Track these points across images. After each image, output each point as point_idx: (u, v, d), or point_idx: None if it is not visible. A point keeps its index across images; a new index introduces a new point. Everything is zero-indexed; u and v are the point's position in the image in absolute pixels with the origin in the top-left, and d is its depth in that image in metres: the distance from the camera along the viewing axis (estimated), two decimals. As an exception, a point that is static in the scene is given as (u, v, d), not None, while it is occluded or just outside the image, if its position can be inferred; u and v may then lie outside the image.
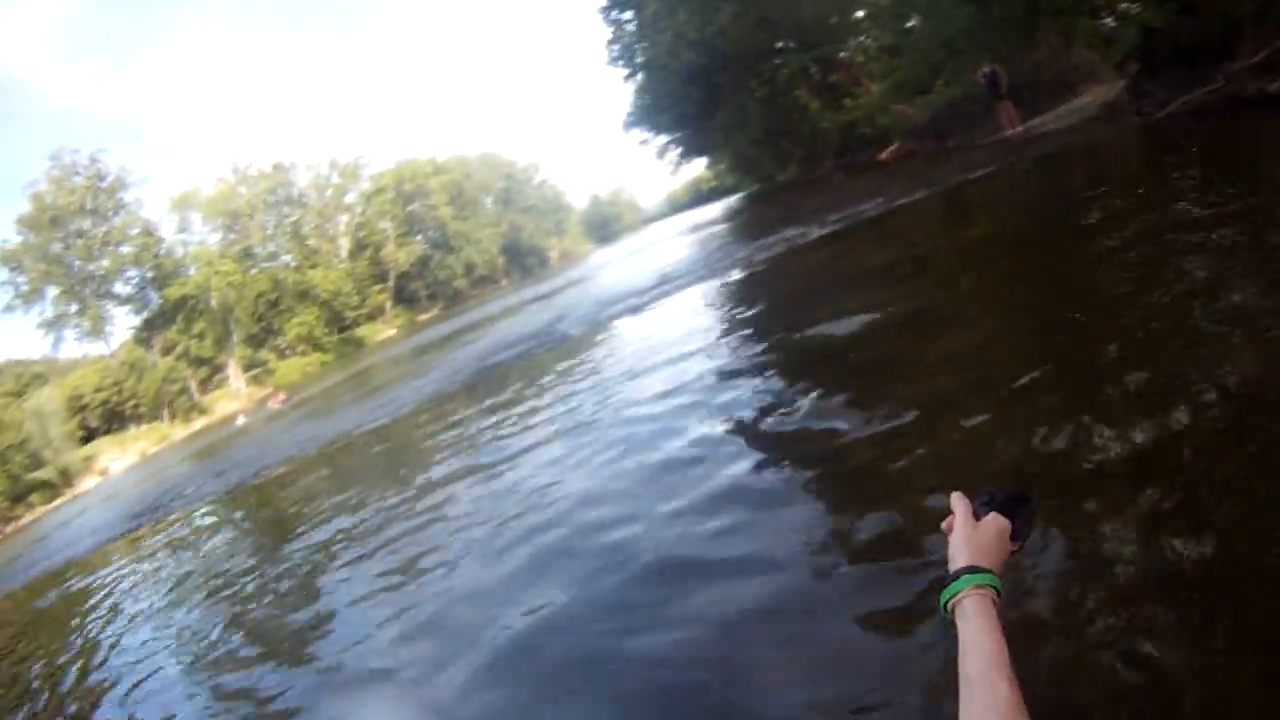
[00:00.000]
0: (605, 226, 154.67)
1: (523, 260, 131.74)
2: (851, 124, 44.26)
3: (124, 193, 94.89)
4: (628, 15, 57.17)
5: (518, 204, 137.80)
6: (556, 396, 12.96)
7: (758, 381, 9.05)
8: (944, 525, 1.95)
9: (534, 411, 12.48)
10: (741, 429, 7.57)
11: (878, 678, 3.59)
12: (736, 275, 18.88)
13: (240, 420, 57.04)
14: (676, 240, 42.21)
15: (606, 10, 57.72)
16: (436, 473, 11.28)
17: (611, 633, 4.96)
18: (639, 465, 7.72)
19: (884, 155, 40.01)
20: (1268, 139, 12.99)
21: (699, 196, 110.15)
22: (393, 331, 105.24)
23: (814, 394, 7.60)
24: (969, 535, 1.86)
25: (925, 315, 9.30)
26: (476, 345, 30.28)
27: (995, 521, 1.89)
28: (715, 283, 18.91)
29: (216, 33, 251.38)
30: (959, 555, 1.82)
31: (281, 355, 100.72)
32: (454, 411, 16.24)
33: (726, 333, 12.39)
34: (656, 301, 19.74)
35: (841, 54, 45.84)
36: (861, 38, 44.02)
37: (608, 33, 58.88)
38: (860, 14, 43.79)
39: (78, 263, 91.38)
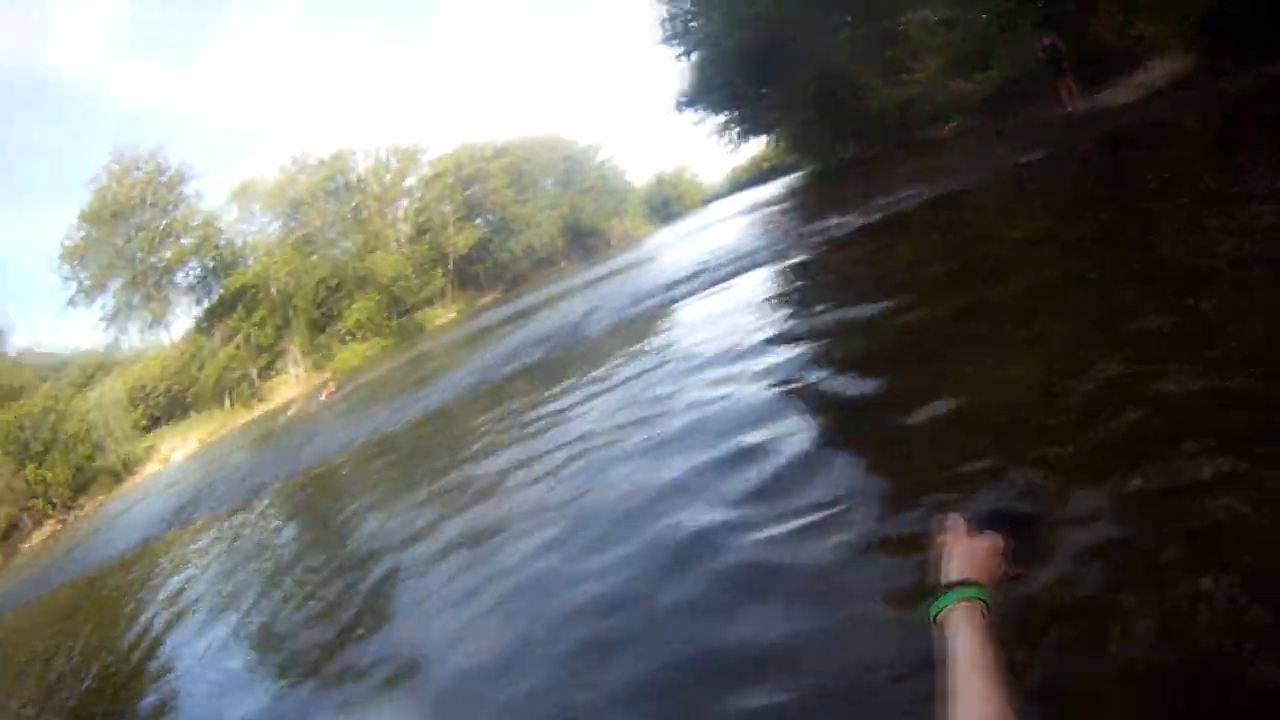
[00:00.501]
0: (666, 206, 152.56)
1: (583, 241, 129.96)
2: (909, 101, 42.87)
3: (184, 186, 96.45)
4: None
5: (578, 185, 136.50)
6: (577, 400, 12.38)
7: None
8: (938, 539, 2.00)
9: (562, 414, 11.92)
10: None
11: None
12: (767, 273, 17.83)
13: (291, 410, 57.28)
14: (730, 224, 40.80)
15: None
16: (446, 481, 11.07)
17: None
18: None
19: (944, 132, 38.83)
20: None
21: (760, 175, 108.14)
22: (452, 314, 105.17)
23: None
24: (962, 549, 1.93)
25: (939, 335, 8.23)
26: (515, 337, 29.67)
27: (990, 539, 1.95)
28: (743, 280, 17.94)
29: (277, 23, 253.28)
30: (950, 569, 1.89)
31: (342, 341, 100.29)
32: (477, 413, 15.78)
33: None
34: (681, 302, 18.90)
35: (900, 28, 44.37)
36: (920, 10, 42.47)
37: (662, 10, 57.46)
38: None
39: (139, 254, 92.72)
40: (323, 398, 54.01)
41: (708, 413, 8.41)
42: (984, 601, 1.79)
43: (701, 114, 62.86)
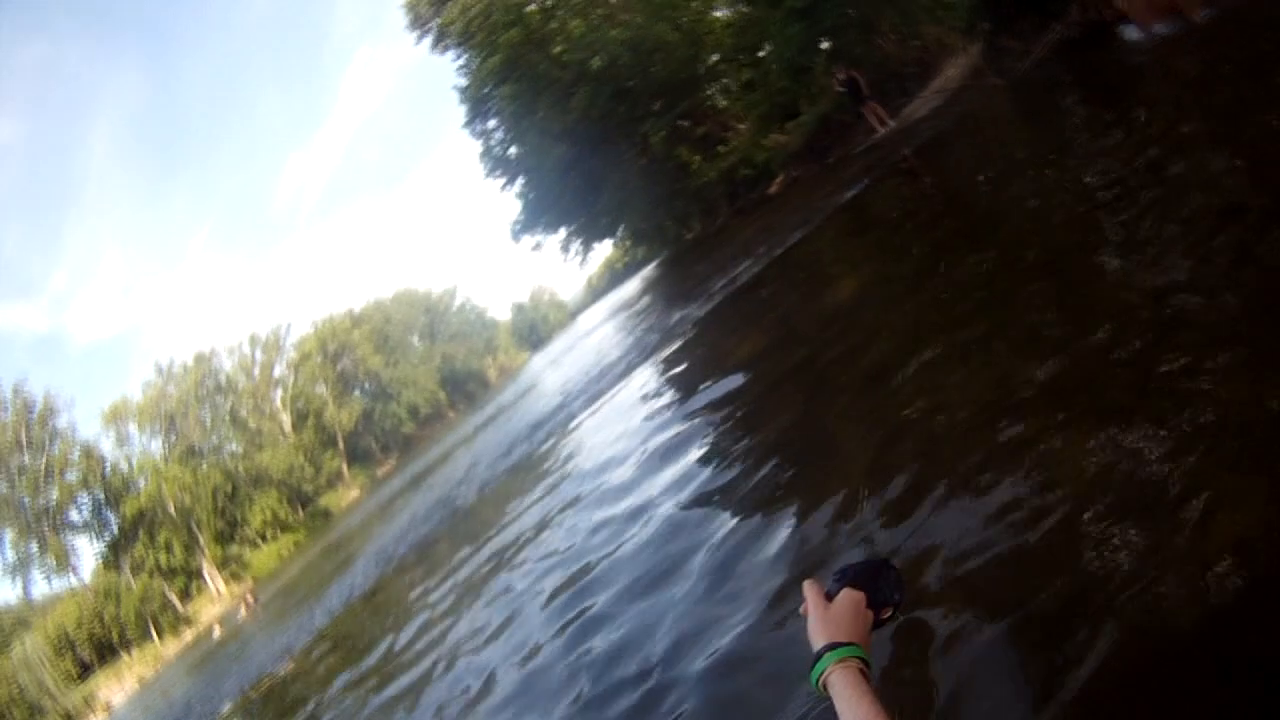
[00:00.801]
0: (534, 331, 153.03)
1: (463, 387, 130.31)
2: (731, 169, 43.46)
3: (55, 419, 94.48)
4: (491, 124, 56.87)
5: (444, 334, 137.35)
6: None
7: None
8: (801, 610, 2.02)
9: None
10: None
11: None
12: (633, 383, 17.63)
13: (216, 633, 56.31)
14: (595, 335, 41.82)
15: (469, 125, 57.25)
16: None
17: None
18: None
19: (773, 188, 39.19)
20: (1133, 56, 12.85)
21: (616, 276, 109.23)
22: (355, 493, 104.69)
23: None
24: (823, 615, 1.95)
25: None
26: (415, 505, 29.45)
27: (848, 596, 1.98)
28: (610, 398, 17.84)
29: (117, 237, 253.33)
30: (816, 636, 1.90)
31: (253, 544, 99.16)
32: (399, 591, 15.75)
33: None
34: (569, 425, 18.63)
35: (707, 103, 45.34)
36: (720, 81, 43.44)
37: (479, 144, 58.24)
38: (713, 58, 43.47)
39: (26, 499, 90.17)
40: (241, 614, 53.19)
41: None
42: (857, 657, 1.82)
43: (540, 236, 62.73)
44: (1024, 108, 15.67)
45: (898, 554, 4.46)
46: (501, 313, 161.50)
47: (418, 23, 58.31)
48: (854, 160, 25.88)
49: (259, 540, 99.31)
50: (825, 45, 29.64)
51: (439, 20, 56.44)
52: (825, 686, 1.80)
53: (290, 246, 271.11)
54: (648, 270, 69.23)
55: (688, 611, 5.80)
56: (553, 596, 8.22)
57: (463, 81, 55.51)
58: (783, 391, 9.65)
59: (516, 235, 61.31)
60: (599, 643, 6.41)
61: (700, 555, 6.56)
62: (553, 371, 42.76)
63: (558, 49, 45.79)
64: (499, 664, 7.72)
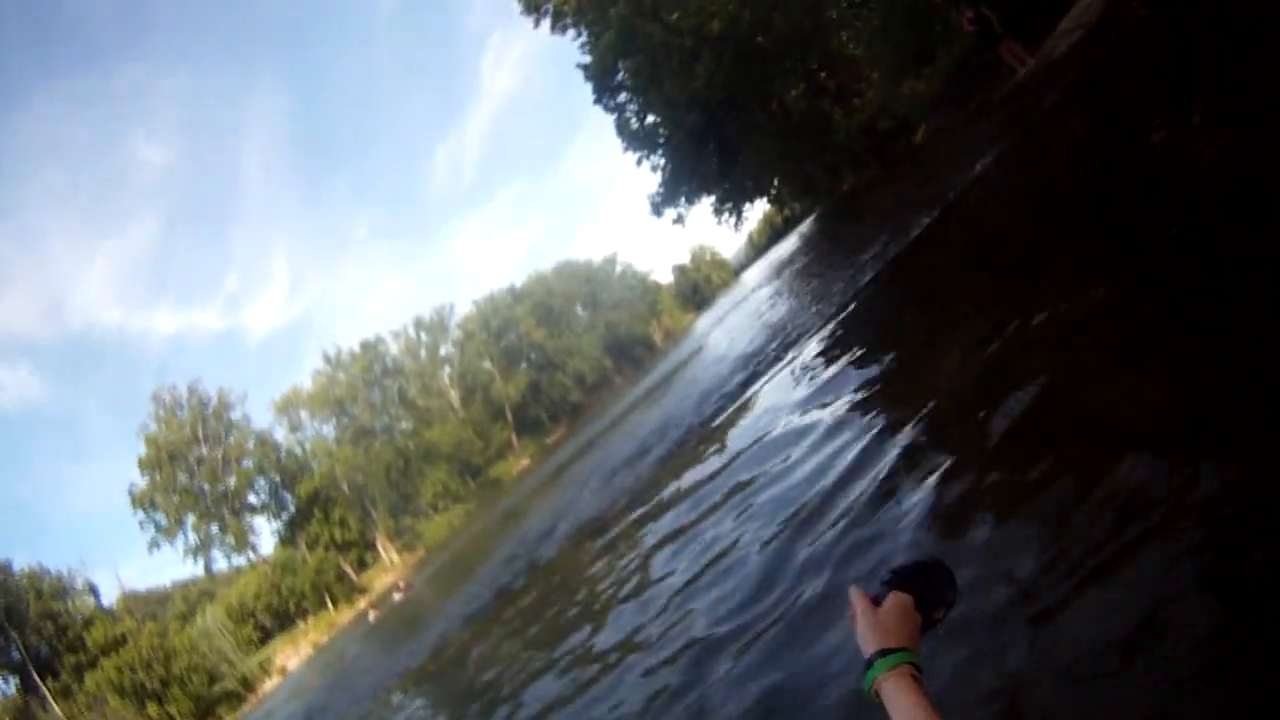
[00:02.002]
0: (697, 292, 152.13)
1: (629, 353, 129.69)
2: (871, 121, 40.83)
3: (231, 412, 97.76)
4: (621, 99, 55.52)
5: (607, 302, 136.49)
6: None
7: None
8: (850, 619, 2.01)
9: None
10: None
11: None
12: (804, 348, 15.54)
13: (371, 617, 56.98)
14: (758, 295, 39.88)
15: (599, 102, 55.73)
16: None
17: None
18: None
19: (917, 138, 36.98)
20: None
21: (775, 232, 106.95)
22: (526, 461, 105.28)
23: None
24: (871, 621, 1.92)
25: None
26: (587, 474, 27.58)
27: (895, 600, 1.95)
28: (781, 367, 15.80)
29: (278, 239, 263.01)
30: (866, 643, 1.88)
31: (426, 516, 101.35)
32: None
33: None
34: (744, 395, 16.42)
35: (839, 53, 42.65)
36: (851, 27, 40.61)
37: (613, 119, 56.94)
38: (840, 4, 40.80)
39: (205, 487, 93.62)
40: (396, 598, 52.78)
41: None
42: (908, 663, 1.78)
43: (681, 208, 60.80)
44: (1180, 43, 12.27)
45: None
46: (664, 276, 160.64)
47: (531, 7, 56.82)
48: (997, 108, 23.35)
49: (431, 512, 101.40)
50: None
51: (552, 1, 55.48)
52: (878, 694, 1.77)
53: (448, 231, 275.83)
54: (805, 225, 67.96)
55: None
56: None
57: (585, 59, 53.80)
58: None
59: (658, 210, 59.36)
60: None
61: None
62: (717, 337, 40.30)
63: (673, 16, 43.42)
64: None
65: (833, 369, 11.83)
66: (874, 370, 10.34)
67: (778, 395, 13.62)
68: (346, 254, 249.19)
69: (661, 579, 9.31)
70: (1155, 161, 8.15)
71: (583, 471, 29.80)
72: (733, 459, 11.71)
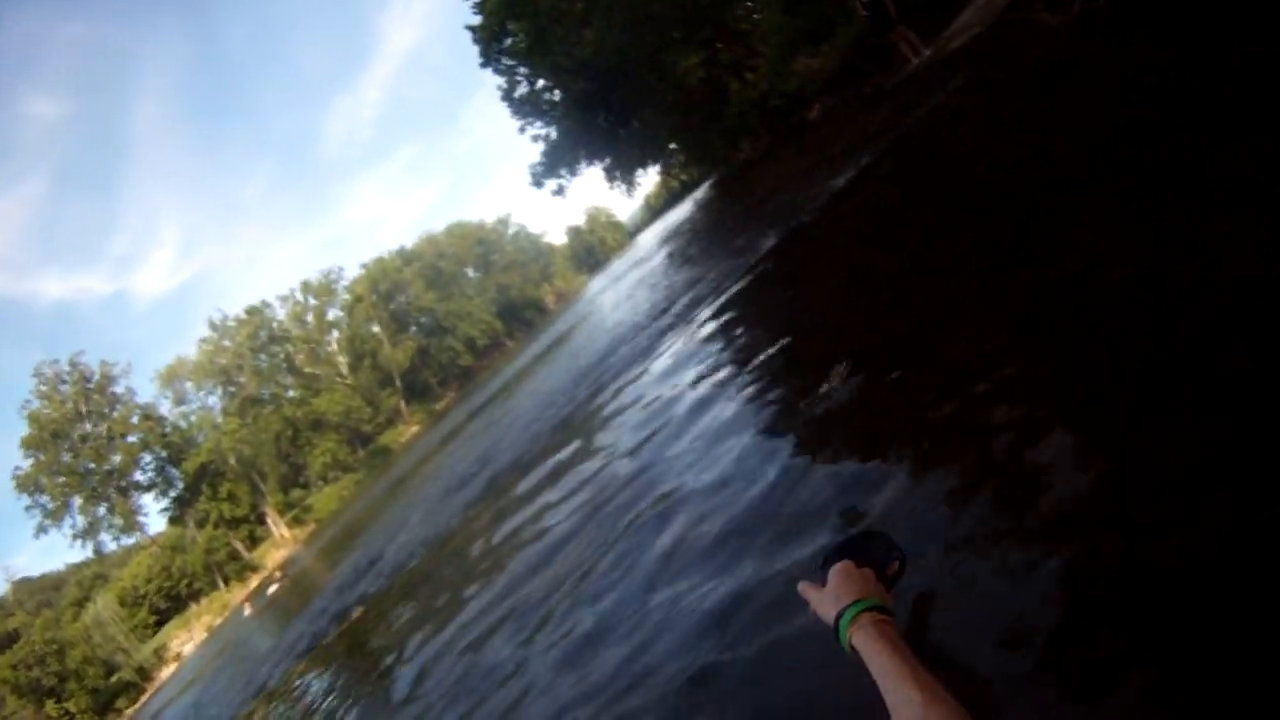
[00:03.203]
0: (592, 254, 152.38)
1: (521, 316, 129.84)
2: (763, 97, 40.20)
3: (114, 386, 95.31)
4: (507, 63, 54.08)
5: (499, 264, 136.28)
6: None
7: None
8: (809, 614, 2.07)
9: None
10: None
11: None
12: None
13: (246, 611, 55.61)
14: (649, 263, 38.98)
15: (486, 65, 54.05)
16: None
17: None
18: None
19: (811, 114, 36.23)
20: None
21: (674, 194, 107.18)
22: (416, 428, 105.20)
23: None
24: (821, 596, 2.01)
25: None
26: (477, 441, 26.62)
27: (834, 570, 2.03)
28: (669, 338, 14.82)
29: (170, 200, 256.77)
30: (827, 609, 1.95)
31: (316, 487, 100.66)
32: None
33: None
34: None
35: (735, 26, 42.04)
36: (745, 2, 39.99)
37: (500, 82, 55.47)
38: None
39: (91, 466, 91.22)
40: (271, 591, 52.16)
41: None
42: (869, 610, 1.83)
43: (563, 180, 59.60)
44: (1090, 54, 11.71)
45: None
46: (559, 237, 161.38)
47: None
48: (885, 97, 22.36)
49: (320, 483, 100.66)
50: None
51: None
52: (853, 646, 1.80)
53: (343, 190, 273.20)
54: (701, 191, 66.95)
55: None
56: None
57: (475, 19, 51.72)
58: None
59: (538, 181, 57.94)
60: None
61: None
62: (608, 299, 40.17)
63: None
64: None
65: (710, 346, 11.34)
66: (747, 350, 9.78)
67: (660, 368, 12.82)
68: (240, 215, 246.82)
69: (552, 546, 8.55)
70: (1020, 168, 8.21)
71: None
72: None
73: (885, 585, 2.00)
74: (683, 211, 61.50)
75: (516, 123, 55.63)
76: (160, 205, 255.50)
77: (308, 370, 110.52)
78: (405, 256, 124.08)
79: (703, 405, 8.49)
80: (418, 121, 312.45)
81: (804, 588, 2.11)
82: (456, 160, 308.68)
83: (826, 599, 1.96)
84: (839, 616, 1.86)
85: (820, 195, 15.89)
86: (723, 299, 13.96)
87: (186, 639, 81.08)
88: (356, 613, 15.57)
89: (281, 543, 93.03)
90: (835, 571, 2.01)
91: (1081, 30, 13.20)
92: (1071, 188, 6.82)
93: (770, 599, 4.24)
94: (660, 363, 12.94)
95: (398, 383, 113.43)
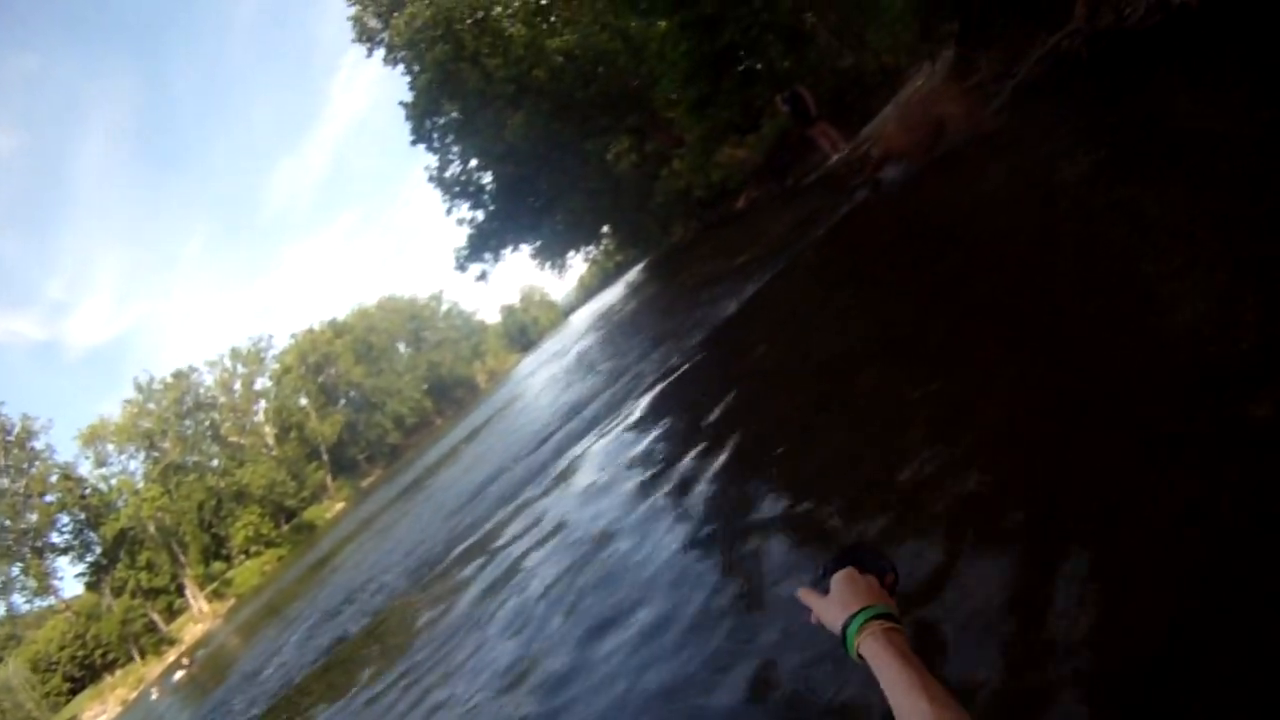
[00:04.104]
0: (525, 333, 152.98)
1: (451, 394, 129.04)
2: (687, 188, 40.55)
3: (34, 441, 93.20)
4: (437, 143, 53.87)
5: (430, 340, 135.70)
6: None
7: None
8: (811, 620, 1.98)
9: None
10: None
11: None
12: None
13: (154, 695, 54.70)
14: (581, 343, 39.24)
15: (415, 143, 53.79)
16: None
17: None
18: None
19: (739, 203, 37.52)
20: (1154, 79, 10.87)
21: (608, 275, 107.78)
22: (341, 505, 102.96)
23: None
24: (827, 602, 1.90)
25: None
26: (396, 531, 27.10)
27: (840, 579, 1.93)
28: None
29: (116, 248, 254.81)
30: (834, 617, 1.85)
31: (237, 562, 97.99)
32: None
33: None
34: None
35: (660, 115, 42.11)
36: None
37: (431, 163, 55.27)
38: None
39: (7, 522, 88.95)
40: (178, 677, 50.94)
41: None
42: (878, 617, 1.75)
43: (487, 265, 59.46)
44: (1009, 147, 13.26)
45: None
46: (492, 315, 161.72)
47: (364, 36, 54.92)
48: (806, 191, 23.85)
49: (242, 556, 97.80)
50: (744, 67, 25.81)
51: (386, 32, 53.55)
52: (860, 655, 1.74)
53: (283, 254, 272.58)
54: (634, 273, 68.23)
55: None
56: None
57: (408, 97, 51.62)
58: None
59: (462, 265, 57.52)
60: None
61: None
62: (538, 381, 40.88)
63: (495, 61, 42.15)
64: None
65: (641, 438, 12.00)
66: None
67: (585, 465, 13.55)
68: (178, 270, 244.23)
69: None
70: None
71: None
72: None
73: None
74: (616, 292, 62.00)
75: (445, 204, 55.19)
76: (99, 252, 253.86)
77: (233, 440, 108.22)
78: (336, 328, 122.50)
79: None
80: (359, 191, 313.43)
81: (805, 594, 1.99)
82: (395, 232, 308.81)
83: (831, 606, 1.87)
84: (846, 624, 1.77)
85: (735, 298, 16.90)
86: (636, 405, 14.47)
87: (100, 711, 77.77)
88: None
89: (200, 617, 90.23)
90: (840, 578, 1.91)
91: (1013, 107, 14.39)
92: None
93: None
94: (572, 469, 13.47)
95: (324, 457, 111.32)
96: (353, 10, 54.79)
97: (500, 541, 13.08)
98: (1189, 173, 7.41)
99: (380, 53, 54.73)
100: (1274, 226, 5.50)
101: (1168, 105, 9.99)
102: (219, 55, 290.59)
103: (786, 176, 29.29)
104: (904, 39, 20.96)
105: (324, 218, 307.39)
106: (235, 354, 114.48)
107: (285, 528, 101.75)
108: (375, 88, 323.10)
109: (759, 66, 26.23)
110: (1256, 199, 5.96)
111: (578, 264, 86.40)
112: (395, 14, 51.75)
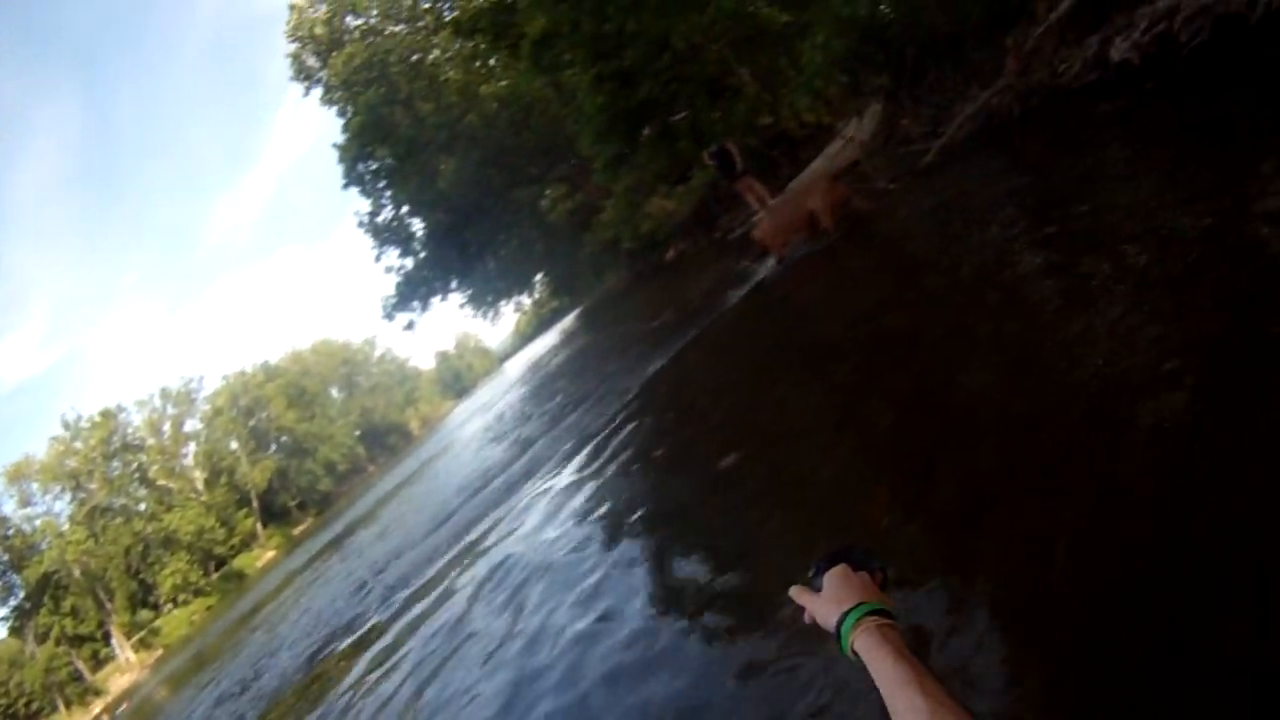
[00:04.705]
0: (459, 380, 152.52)
1: (384, 441, 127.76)
2: (615, 239, 40.30)
3: None
4: (375, 185, 52.74)
5: (364, 386, 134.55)
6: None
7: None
8: (805, 619, 1.94)
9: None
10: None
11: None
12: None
13: None
14: (512, 393, 39.85)
15: (348, 187, 52.93)
16: None
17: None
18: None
19: (670, 254, 37.35)
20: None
21: (542, 322, 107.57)
22: (272, 553, 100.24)
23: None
24: (820, 599, 1.87)
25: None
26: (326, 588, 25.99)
27: (832, 576, 1.90)
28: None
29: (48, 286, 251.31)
30: (828, 614, 1.82)
31: (165, 610, 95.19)
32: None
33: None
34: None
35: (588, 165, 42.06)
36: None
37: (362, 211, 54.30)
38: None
39: None
40: None
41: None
42: (872, 613, 1.71)
43: (414, 314, 58.38)
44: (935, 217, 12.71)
45: None
46: (427, 361, 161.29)
47: (302, 74, 54.06)
48: (731, 245, 23.90)
49: (170, 605, 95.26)
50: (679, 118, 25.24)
51: (324, 72, 52.78)
52: (855, 652, 1.70)
53: (218, 291, 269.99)
54: (569, 320, 68.29)
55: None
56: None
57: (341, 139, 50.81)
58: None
59: (389, 314, 56.67)
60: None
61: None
62: (470, 430, 40.49)
63: (428, 106, 41.49)
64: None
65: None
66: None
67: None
68: (113, 301, 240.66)
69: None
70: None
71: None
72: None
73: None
74: (550, 340, 62.24)
75: (374, 251, 54.31)
76: (32, 282, 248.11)
77: (161, 483, 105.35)
78: (269, 371, 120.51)
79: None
80: (297, 229, 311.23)
81: (797, 592, 1.91)
82: (332, 273, 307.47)
83: (826, 603, 1.82)
84: (841, 620, 1.72)
85: (638, 375, 17.16)
86: (554, 474, 14.33)
87: (25, 763, 76.03)
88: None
89: (126, 667, 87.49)
90: (832, 575, 1.86)
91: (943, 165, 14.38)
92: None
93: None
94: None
95: (254, 504, 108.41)
96: (292, 48, 54.15)
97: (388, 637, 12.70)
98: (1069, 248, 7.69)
99: (318, 91, 54.11)
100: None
101: (1086, 168, 9.86)
102: (162, 85, 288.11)
103: (715, 229, 29.00)
104: (826, 95, 20.45)
105: (261, 255, 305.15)
106: (165, 394, 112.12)
107: (214, 576, 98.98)
108: (317, 125, 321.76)
109: (680, 121, 25.42)
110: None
111: (512, 310, 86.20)
112: (334, 53, 51.30)
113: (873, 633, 1.63)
